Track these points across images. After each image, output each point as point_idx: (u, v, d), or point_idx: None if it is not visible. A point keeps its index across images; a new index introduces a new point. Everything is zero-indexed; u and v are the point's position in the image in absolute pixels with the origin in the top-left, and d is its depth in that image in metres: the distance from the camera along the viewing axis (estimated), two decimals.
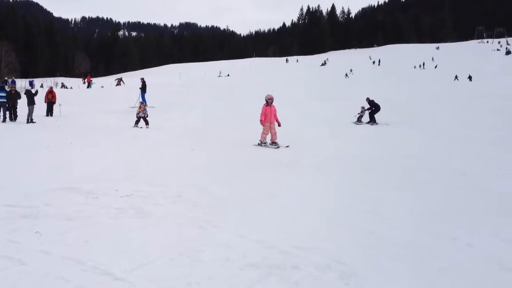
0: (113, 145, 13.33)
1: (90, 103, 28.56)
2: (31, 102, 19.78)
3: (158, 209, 6.47)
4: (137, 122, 18.72)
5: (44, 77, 79.09)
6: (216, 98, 30.97)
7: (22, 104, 20.02)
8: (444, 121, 20.01)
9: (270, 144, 13.50)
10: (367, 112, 20.98)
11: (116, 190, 7.44)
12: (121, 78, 56.57)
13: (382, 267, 4.53)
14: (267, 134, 13.67)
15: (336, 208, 6.73)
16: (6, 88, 21.31)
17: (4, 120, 19.31)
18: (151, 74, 76.94)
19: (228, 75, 69.24)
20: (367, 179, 8.85)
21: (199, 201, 6.93)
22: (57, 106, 22.40)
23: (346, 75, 58.23)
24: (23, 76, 60.13)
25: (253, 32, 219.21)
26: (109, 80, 63.53)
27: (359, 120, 20.88)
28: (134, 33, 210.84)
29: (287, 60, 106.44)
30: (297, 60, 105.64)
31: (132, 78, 59.76)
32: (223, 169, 9.85)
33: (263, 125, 13.63)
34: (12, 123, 19.25)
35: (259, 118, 13.61)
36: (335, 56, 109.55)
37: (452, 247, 5.14)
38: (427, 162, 10.71)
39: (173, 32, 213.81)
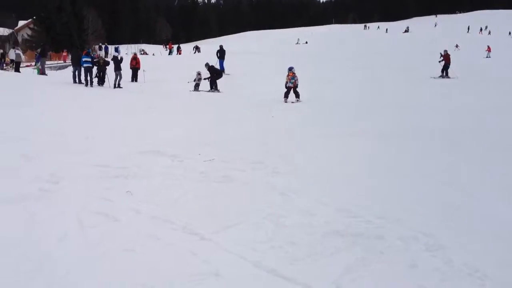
0: (194, 110, 13.70)
1: (171, 70, 29.26)
2: (117, 68, 20.59)
3: (240, 174, 6.60)
4: (286, 94, 15.89)
5: (128, 43, 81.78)
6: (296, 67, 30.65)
7: (109, 70, 20.91)
8: None
9: None
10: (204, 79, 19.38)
11: (199, 154, 7.67)
12: (197, 46, 57.55)
13: (468, 241, 4.36)
14: None
15: (412, 178, 6.54)
16: (100, 52, 21.88)
17: (86, 85, 20.18)
18: (229, 41, 77.30)
19: (306, 42, 68.05)
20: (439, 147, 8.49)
21: (279, 168, 6.99)
22: (141, 72, 23.22)
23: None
24: (108, 43, 62.66)
25: None
26: (188, 48, 64.59)
27: (196, 88, 19.27)
28: (213, 0, 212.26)
29: (366, 27, 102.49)
30: (378, 27, 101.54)
31: (210, 45, 60.40)
32: (301, 136, 9.83)
33: None
34: (100, 88, 20.25)
35: None
36: (419, 23, 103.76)
37: None
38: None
39: None
